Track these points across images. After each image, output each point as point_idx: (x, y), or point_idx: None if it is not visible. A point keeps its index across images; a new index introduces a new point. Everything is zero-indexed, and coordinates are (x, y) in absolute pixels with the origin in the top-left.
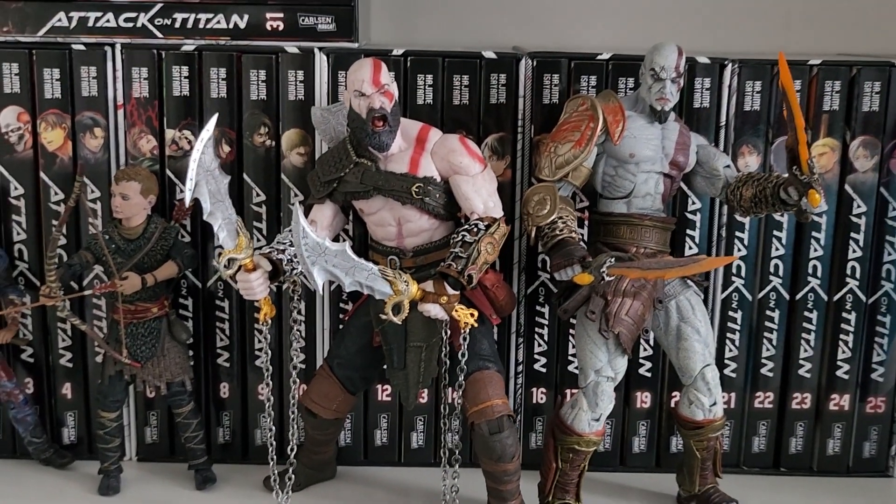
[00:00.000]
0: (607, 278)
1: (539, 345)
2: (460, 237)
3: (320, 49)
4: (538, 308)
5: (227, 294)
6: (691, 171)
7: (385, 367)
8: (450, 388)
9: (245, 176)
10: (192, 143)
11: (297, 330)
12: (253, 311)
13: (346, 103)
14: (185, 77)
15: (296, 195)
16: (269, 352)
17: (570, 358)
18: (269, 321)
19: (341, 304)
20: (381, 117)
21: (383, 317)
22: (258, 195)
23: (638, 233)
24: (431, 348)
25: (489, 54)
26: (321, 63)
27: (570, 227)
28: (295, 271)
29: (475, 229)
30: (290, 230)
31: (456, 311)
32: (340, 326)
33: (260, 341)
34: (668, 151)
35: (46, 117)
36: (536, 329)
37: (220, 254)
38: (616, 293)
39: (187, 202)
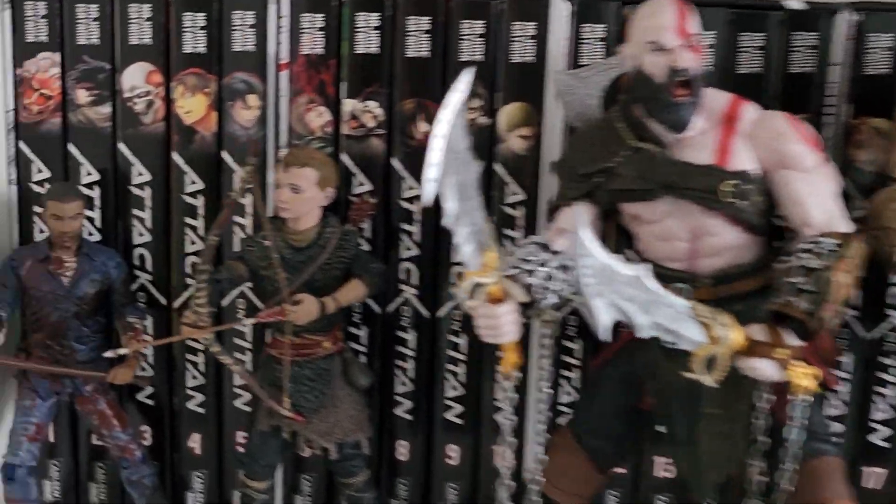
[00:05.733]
0: None
1: (881, 410)
2: (797, 261)
3: None
4: (883, 360)
5: (415, 323)
6: None
7: (652, 433)
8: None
9: None
10: (379, 119)
11: (545, 383)
12: (437, 344)
13: (626, 61)
14: (375, 28)
15: (514, 193)
16: (513, 411)
17: None
18: (514, 375)
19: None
20: (685, 82)
21: (690, 375)
22: None
23: None
24: (737, 419)
25: (793, 4)
26: (557, 12)
27: None
28: (545, 301)
29: (820, 250)
30: (534, 243)
31: (792, 369)
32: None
33: (454, 388)
34: None
35: (184, 79)
36: (878, 389)
37: (460, 276)
38: None
39: (428, 199)
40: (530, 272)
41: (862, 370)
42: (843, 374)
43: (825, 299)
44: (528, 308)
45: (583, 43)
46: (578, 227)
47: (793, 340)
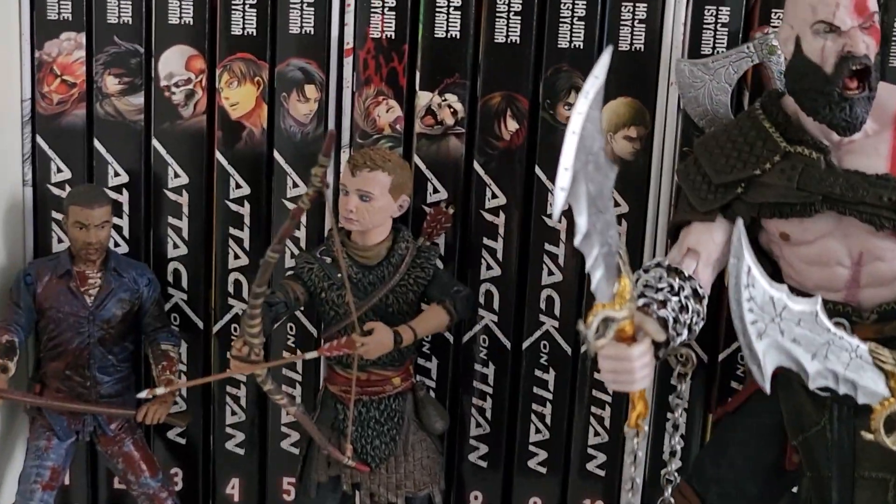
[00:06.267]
0: None
1: None
2: None
3: None
4: None
5: (495, 355)
6: None
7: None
8: None
9: (538, 170)
10: (459, 116)
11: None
12: (520, 380)
13: (784, 44)
14: (456, 8)
15: (617, 204)
16: (640, 467)
17: None
18: (643, 425)
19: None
20: (862, 71)
21: (868, 436)
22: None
23: None
24: None
25: None
26: None
27: None
28: (680, 337)
29: None
30: (660, 266)
31: None
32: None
33: (539, 432)
34: None
35: (231, 65)
36: None
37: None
38: None
39: (556, 213)
40: (663, 302)
41: None
42: None
43: None
44: (658, 347)
45: (704, 28)
46: (743, 250)
47: None
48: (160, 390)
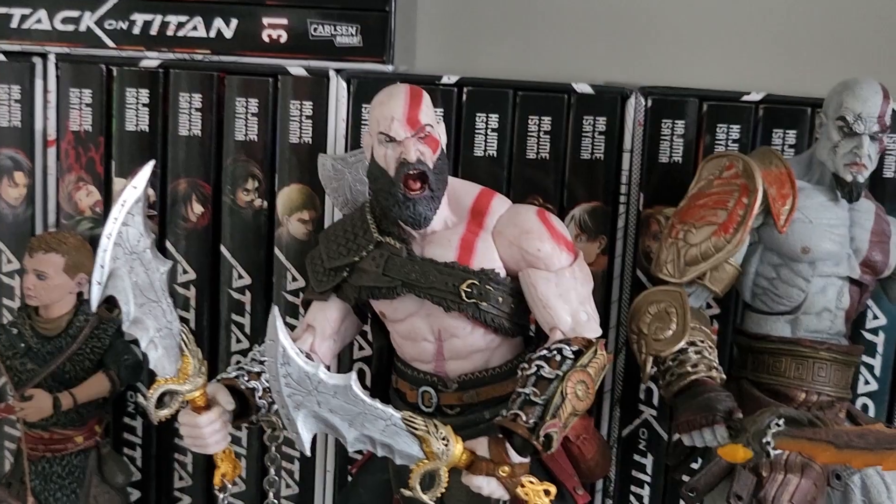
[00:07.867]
0: (774, 453)
1: None
2: (534, 369)
3: (338, 72)
4: (637, 458)
5: None
6: (889, 275)
7: None
8: None
9: (223, 248)
10: (151, 199)
11: (274, 498)
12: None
13: (366, 151)
14: (144, 105)
15: (294, 279)
16: None
17: None
18: (230, 484)
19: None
20: (418, 175)
21: (408, 493)
22: (240, 277)
23: (808, 369)
24: None
25: (583, 88)
26: (338, 91)
27: (707, 359)
28: (275, 406)
29: (558, 357)
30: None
31: (522, 486)
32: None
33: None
34: (860, 245)
35: None
36: (633, 488)
37: (152, 384)
38: (775, 467)
39: (94, 303)
40: (258, 374)
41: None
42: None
43: (550, 415)
44: (254, 412)
45: (363, 123)
46: (278, 332)
47: (518, 459)
48: None
